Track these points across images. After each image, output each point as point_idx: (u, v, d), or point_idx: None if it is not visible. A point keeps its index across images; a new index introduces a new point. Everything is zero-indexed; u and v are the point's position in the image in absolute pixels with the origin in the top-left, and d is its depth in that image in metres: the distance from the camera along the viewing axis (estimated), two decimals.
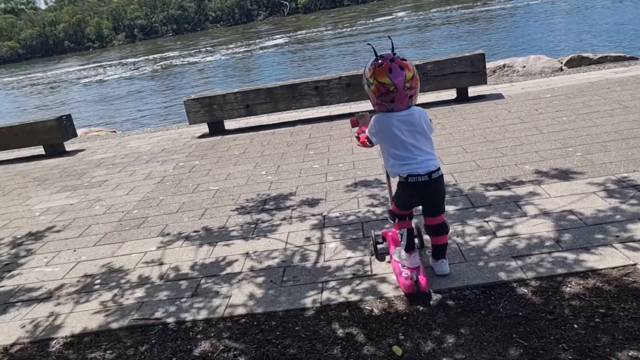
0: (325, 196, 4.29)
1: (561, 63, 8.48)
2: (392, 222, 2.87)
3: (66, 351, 2.70)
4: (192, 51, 41.81)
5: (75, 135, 8.18)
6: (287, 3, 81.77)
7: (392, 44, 2.68)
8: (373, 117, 2.70)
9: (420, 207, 2.83)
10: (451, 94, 7.19)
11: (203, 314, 2.82)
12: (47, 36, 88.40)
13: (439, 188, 2.67)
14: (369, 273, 2.96)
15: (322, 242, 3.46)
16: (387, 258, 3.07)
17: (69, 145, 8.26)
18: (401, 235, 2.81)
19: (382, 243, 3.15)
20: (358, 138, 2.89)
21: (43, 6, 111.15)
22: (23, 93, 32.93)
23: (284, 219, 3.97)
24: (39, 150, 8.12)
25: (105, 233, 4.29)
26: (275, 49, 32.34)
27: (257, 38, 44.56)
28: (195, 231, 4.01)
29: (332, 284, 2.91)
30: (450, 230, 3.29)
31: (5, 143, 7.95)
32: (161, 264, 3.54)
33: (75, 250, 4.03)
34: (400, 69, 2.50)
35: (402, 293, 2.69)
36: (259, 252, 3.45)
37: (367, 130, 2.74)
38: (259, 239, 3.67)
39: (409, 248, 2.77)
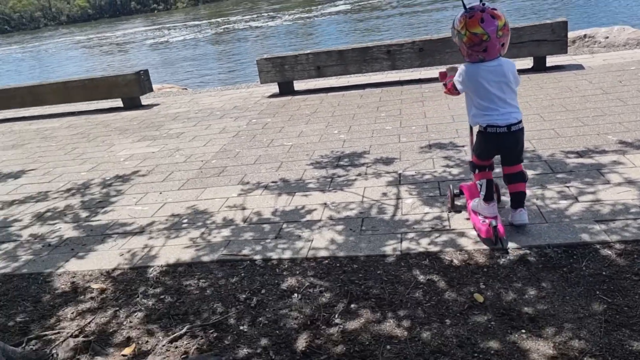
0: (400, 156, 4.35)
1: None
2: (473, 172, 2.97)
3: (162, 277, 2.95)
4: (255, 15, 42.00)
5: (151, 89, 8.55)
6: None
7: (463, 1, 2.69)
8: (462, 66, 2.77)
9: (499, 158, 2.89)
10: (527, 62, 7.00)
11: (287, 254, 2.99)
12: None
13: (517, 140, 2.74)
14: (448, 227, 3.04)
15: (398, 197, 3.55)
16: (465, 213, 3.13)
17: (144, 100, 8.63)
18: (480, 185, 2.88)
19: (459, 195, 3.23)
20: (445, 85, 2.98)
21: None
22: (93, 52, 34.25)
23: (359, 174, 4.08)
24: (117, 102, 8.54)
25: (187, 179, 4.55)
26: (338, 15, 32.01)
27: (319, 3, 44.14)
28: (273, 182, 4.19)
29: (410, 235, 3.01)
30: (529, 193, 3.31)
31: (87, 95, 8.41)
32: (243, 208, 3.74)
33: (161, 193, 4.31)
34: (491, 17, 2.55)
35: (482, 247, 2.77)
36: (336, 203, 3.59)
37: (454, 78, 2.82)
38: (335, 192, 3.80)
39: (488, 198, 2.84)
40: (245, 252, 3.09)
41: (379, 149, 4.62)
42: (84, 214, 4.07)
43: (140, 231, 3.61)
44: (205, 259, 3.08)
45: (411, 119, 5.41)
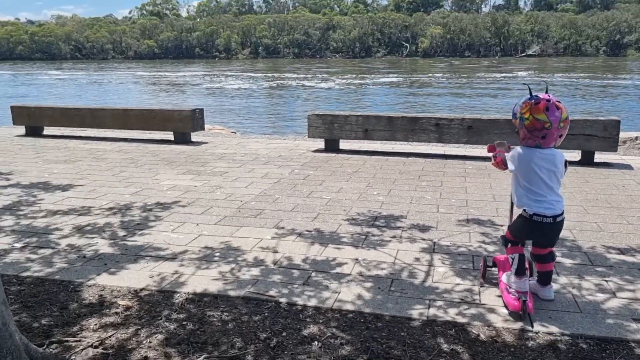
0: (437, 225, 4.35)
1: None
2: (505, 246, 3.00)
3: (187, 305, 2.98)
4: (309, 75, 43.54)
5: (203, 128, 8.88)
6: (408, 45, 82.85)
7: (547, 87, 2.85)
8: (517, 148, 2.85)
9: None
10: (575, 155, 6.98)
11: (313, 302, 2.99)
12: (182, 41, 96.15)
13: (558, 230, 2.84)
14: (477, 301, 2.99)
15: (431, 264, 3.53)
16: (496, 290, 3.07)
17: (195, 137, 8.96)
18: (512, 259, 2.91)
19: (492, 267, 3.23)
20: (494, 157, 3.04)
21: (184, 14, 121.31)
22: (153, 87, 35.95)
23: (394, 237, 4.08)
24: (169, 136, 8.89)
25: (225, 216, 4.64)
26: (388, 86, 32.84)
27: (372, 73, 45.51)
28: (307, 230, 4.23)
29: (439, 303, 2.97)
30: (566, 281, 3.24)
31: (143, 124, 8.80)
32: (275, 251, 3.78)
33: (197, 225, 4.40)
34: (556, 108, 2.69)
35: (512, 325, 2.70)
36: (368, 261, 3.59)
37: (507, 156, 2.91)
38: (368, 250, 3.81)
39: (520, 272, 2.87)
40: (271, 293, 3.10)
41: (416, 215, 4.63)
42: (121, 233, 4.18)
43: (173, 257, 3.68)
44: (232, 293, 3.10)
45: (452, 192, 5.43)
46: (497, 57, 72.66)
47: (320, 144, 8.08)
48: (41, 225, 4.40)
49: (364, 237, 4.08)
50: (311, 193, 5.40)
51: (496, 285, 3.16)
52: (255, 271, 3.43)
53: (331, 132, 7.71)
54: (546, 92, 2.79)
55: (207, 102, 24.51)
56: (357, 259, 3.62)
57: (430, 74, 42.87)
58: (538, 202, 2.76)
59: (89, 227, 4.33)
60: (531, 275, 3.08)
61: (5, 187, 5.71)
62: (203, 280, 3.28)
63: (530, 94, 2.77)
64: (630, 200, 5.08)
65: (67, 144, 8.59)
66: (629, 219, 4.49)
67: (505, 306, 2.87)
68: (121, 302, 3.01)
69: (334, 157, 7.35)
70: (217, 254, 3.73)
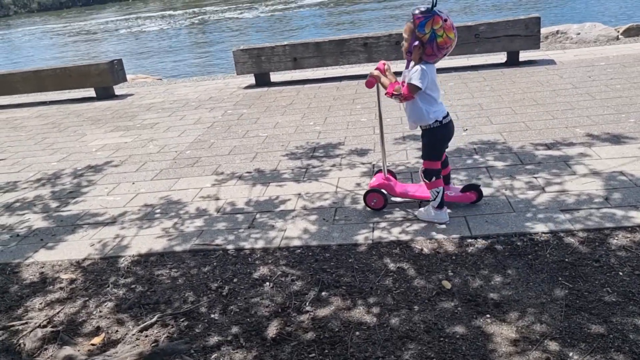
0: (374, 147, 4.39)
1: (618, 32, 8.22)
2: (428, 181, 2.96)
3: (134, 267, 2.93)
4: (231, 6, 41.57)
5: (125, 79, 8.41)
6: None
7: (435, 2, 2.67)
8: (421, 66, 2.76)
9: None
10: (501, 57, 7.11)
11: (260, 244, 3.00)
12: None
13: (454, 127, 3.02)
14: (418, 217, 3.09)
15: None
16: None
17: (118, 90, 8.50)
18: (437, 193, 2.96)
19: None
20: (398, 95, 2.88)
21: None
22: (66, 40, 33.48)
23: (334, 165, 4.10)
24: (90, 92, 8.39)
25: (161, 169, 4.51)
26: (315, 8, 31.89)
27: None
28: (247, 172, 4.19)
29: (382, 224, 3.05)
30: (499, 183, 3.38)
31: (59, 83, 8.24)
32: (217, 199, 3.73)
33: (134, 183, 4.26)
34: (453, 28, 2.72)
35: (451, 235, 2.83)
36: (310, 194, 3.61)
37: (416, 80, 2.76)
38: (310, 182, 3.82)
39: (442, 205, 2.98)
40: (218, 241, 3.09)
41: (353, 140, 4.65)
42: (54, 205, 4.01)
43: (112, 221, 3.57)
44: (178, 248, 3.07)
45: (386, 111, 5.43)
46: None
47: (250, 79, 7.85)
48: None
49: (304, 170, 4.08)
50: (247, 133, 5.30)
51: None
52: (199, 222, 3.39)
53: (259, 66, 7.48)
54: (435, 5, 2.66)
55: (128, 50, 23.16)
56: (299, 194, 3.63)
57: None
58: (439, 107, 2.90)
59: (18, 204, 4.12)
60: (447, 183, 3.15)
61: None
62: (147, 240, 3.22)
63: (434, 5, 2.65)
64: (555, 95, 5.27)
65: None
66: (554, 114, 4.67)
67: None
68: (64, 276, 2.93)
69: (266, 91, 7.18)
70: (158, 211, 3.65)
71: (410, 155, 4.09)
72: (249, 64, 7.50)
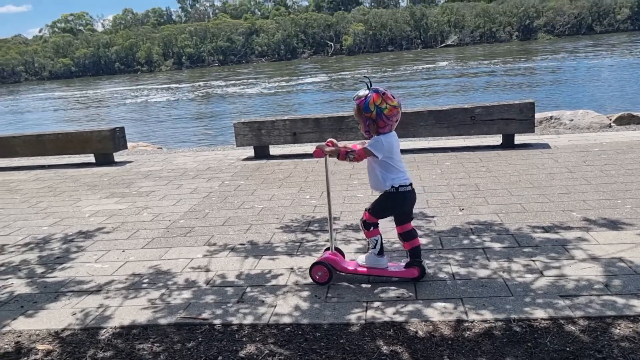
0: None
1: (610, 120, 8.45)
2: (367, 230, 3.21)
3: (115, 340, 2.80)
4: (236, 81, 43.03)
5: (125, 147, 8.51)
6: (332, 44, 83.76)
7: (370, 81, 3.04)
8: (379, 137, 3.02)
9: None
10: (496, 139, 7.24)
11: (249, 319, 2.88)
12: (100, 57, 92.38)
13: (415, 197, 3.21)
14: (413, 297, 2.99)
15: None
16: (428, 281, 3.09)
17: (118, 157, 8.57)
18: (376, 241, 3.20)
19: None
20: (351, 158, 3.11)
21: (100, 28, 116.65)
22: (73, 107, 34.31)
23: (329, 240, 4.03)
24: (90, 158, 8.45)
25: (153, 238, 4.43)
26: (316, 85, 33.02)
27: (299, 74, 45.62)
28: (241, 244, 4.11)
29: (376, 304, 2.95)
30: (496, 265, 3.31)
31: (60, 148, 8.31)
32: (207, 270, 3.64)
33: (124, 251, 4.17)
34: (393, 97, 2.99)
35: (448, 318, 2.72)
36: (303, 269, 3.52)
37: (370, 147, 3.02)
38: (303, 257, 3.74)
39: (382, 252, 3.23)
40: (204, 315, 2.97)
41: (349, 215, 4.62)
42: (39, 270, 3.89)
43: (97, 290, 3.46)
44: (162, 321, 2.94)
45: None
46: (419, 49, 74.81)
47: (249, 151, 7.94)
48: None
49: (298, 244, 4.01)
50: (243, 204, 5.27)
51: (432, 278, 3.18)
52: (186, 294, 3.27)
53: (259, 138, 7.60)
54: (370, 84, 3.00)
55: (131, 118, 23.67)
56: (292, 268, 3.55)
57: (355, 70, 43.51)
58: (398, 175, 3.09)
59: (2, 267, 4.01)
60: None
61: None
62: (131, 311, 3.10)
63: (369, 87, 2.98)
64: (550, 178, 5.31)
65: None
66: (550, 197, 4.68)
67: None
68: (40, 347, 2.78)
69: (265, 163, 7.24)
70: (146, 280, 3.54)
71: None
72: (249, 137, 7.62)
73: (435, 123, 7.09)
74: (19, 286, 3.62)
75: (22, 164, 8.76)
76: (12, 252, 4.37)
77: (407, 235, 3.17)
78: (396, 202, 3.11)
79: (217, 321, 2.89)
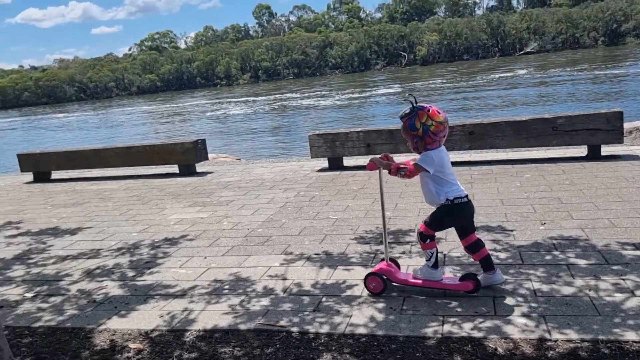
0: (446, 236, 4.29)
1: None
2: (423, 242, 3.26)
3: (199, 343, 2.95)
4: (310, 94, 43.78)
5: (206, 158, 8.91)
6: (406, 54, 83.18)
7: (415, 99, 3.09)
8: (428, 153, 3.09)
9: None
10: (581, 151, 6.90)
11: (325, 328, 2.94)
12: (183, 72, 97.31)
13: (473, 209, 3.22)
14: (492, 313, 2.92)
15: None
16: (512, 300, 3.00)
17: (199, 167, 8.99)
18: (432, 254, 3.23)
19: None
20: (402, 174, 3.20)
21: (183, 45, 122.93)
22: (158, 120, 36.34)
23: (403, 252, 4.03)
24: (174, 169, 8.93)
25: (233, 246, 4.62)
26: (389, 96, 32.91)
27: (372, 86, 45.67)
28: (316, 254, 4.19)
29: (453, 318, 2.91)
30: (582, 283, 3.17)
31: (147, 159, 8.85)
32: (284, 279, 3.74)
33: (205, 258, 4.38)
34: (439, 112, 3.05)
35: (529, 336, 2.64)
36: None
37: (421, 162, 3.09)
38: None
39: (436, 265, 3.25)
40: (282, 322, 3.06)
41: None
42: (130, 273, 4.17)
43: (182, 294, 3.65)
44: (242, 327, 3.07)
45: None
46: (495, 58, 72.65)
47: (324, 163, 8.07)
48: (51, 272, 4.40)
49: (372, 255, 4.04)
50: (317, 214, 5.37)
51: (512, 294, 3.09)
52: (265, 301, 3.39)
53: (333, 150, 7.70)
54: (416, 102, 3.08)
55: (211, 130, 24.69)
56: None
57: (430, 81, 42.94)
58: (452, 188, 3.13)
59: (98, 270, 4.33)
60: (491, 269, 3.21)
61: (15, 236, 5.74)
62: (213, 316, 3.25)
63: (414, 105, 3.05)
64: None
65: (75, 186, 8.65)
66: None
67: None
68: (132, 346, 2.98)
69: (339, 175, 7.33)
70: (227, 287, 3.70)
71: None
72: (323, 148, 7.74)
73: (513, 134, 6.87)
74: (112, 288, 3.90)
75: (114, 174, 9.40)
76: (106, 256, 4.71)
77: (474, 247, 3.18)
78: (454, 214, 3.16)
79: (295, 329, 2.97)
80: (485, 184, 5.89)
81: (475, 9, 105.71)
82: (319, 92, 44.53)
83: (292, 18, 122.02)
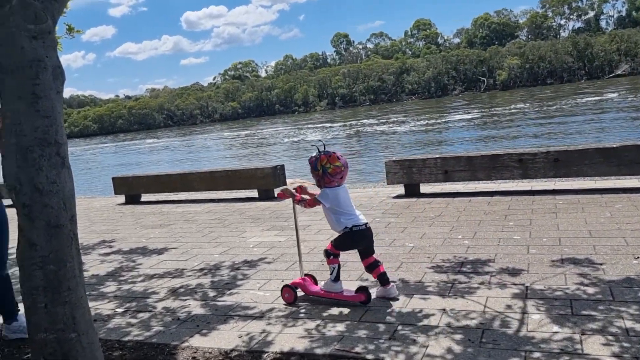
0: (528, 268, 4.13)
1: None
2: (327, 258, 3.87)
3: None
4: (386, 119, 43.78)
5: (285, 183, 9.13)
6: (485, 79, 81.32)
7: (324, 145, 3.81)
8: (325, 190, 3.74)
9: None
10: None
11: (401, 358, 2.91)
12: (262, 99, 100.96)
13: (372, 235, 3.86)
14: (579, 351, 2.77)
15: (524, 312, 3.33)
16: (600, 337, 2.83)
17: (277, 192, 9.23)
18: (334, 268, 3.83)
19: (297, 289, 3.98)
20: (302, 204, 3.92)
21: (263, 74, 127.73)
22: (238, 146, 37.75)
23: (482, 283, 3.92)
24: (254, 193, 9.23)
25: (309, 270, 4.69)
26: (468, 122, 32.21)
27: (449, 111, 44.96)
28: (392, 281, 4.16)
29: (536, 354, 2.79)
30: None
31: (229, 184, 9.24)
32: (361, 305, 3.75)
33: (283, 281, 4.47)
34: (338, 158, 3.71)
35: None
36: (456, 311, 3.46)
37: (319, 197, 3.77)
38: (456, 298, 3.68)
39: (338, 279, 3.85)
40: (357, 349, 3.07)
41: (505, 258, 4.43)
42: (211, 294, 4.35)
43: (260, 316, 3.76)
44: (318, 351, 3.10)
45: (542, 230, 5.15)
46: (582, 81, 69.26)
47: (400, 189, 8.03)
48: (140, 289, 4.68)
49: (450, 285, 3.96)
50: (393, 241, 5.34)
51: (601, 332, 2.92)
52: (340, 327, 3.41)
53: (410, 176, 7.66)
54: (324, 148, 3.75)
55: (289, 156, 25.29)
56: (444, 309, 3.50)
57: (511, 106, 41.60)
58: (350, 217, 3.76)
59: (182, 289, 4.55)
60: (387, 284, 3.81)
61: (108, 254, 6.17)
62: (290, 339, 3.31)
63: (319, 150, 3.71)
64: None
65: (162, 208, 9.17)
66: None
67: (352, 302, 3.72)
68: None
69: (415, 202, 7.26)
70: (303, 311, 3.77)
71: (570, 281, 3.75)
72: (399, 175, 7.72)
73: (603, 161, 6.51)
74: (195, 307, 4.08)
75: (197, 197, 9.87)
76: (189, 276, 4.94)
77: (372, 266, 3.80)
78: (354, 239, 3.78)
79: (370, 356, 2.96)
80: (571, 214, 5.61)
81: (560, 31, 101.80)
82: (395, 118, 44.45)
83: (369, 45, 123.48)
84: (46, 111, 2.33)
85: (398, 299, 3.73)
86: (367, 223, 3.81)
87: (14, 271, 4.03)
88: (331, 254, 3.85)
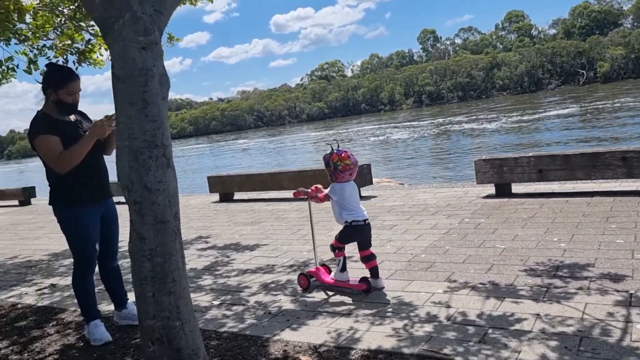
0: (632, 274, 3.86)
1: None
2: (333, 252, 4.32)
3: None
4: (475, 117, 42.34)
5: (371, 182, 9.18)
6: (584, 72, 76.18)
7: (338, 144, 4.29)
8: (335, 185, 4.15)
9: None
10: None
11: None
12: (349, 99, 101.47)
13: (370, 230, 4.26)
14: None
15: (628, 320, 3.13)
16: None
17: (364, 191, 9.28)
18: (340, 260, 4.28)
19: (312, 278, 4.44)
20: (317, 197, 4.35)
21: (349, 74, 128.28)
22: (324, 146, 38.21)
23: (581, 288, 3.72)
24: None
25: (396, 270, 4.70)
26: (564, 118, 30.36)
27: (544, 107, 42.62)
28: (481, 283, 4.08)
29: None
30: None
31: (316, 182, 9.39)
32: (448, 306, 3.71)
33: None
34: (350, 155, 4.14)
35: None
36: (551, 316, 3.32)
37: (328, 192, 4.20)
38: (551, 303, 3.53)
39: (344, 269, 4.29)
40: (446, 351, 3.04)
41: (606, 263, 4.17)
42: (300, 289, 4.49)
43: (348, 313, 3.83)
44: (406, 350, 3.11)
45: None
46: None
47: (490, 189, 7.77)
48: (234, 283, 4.92)
49: (545, 289, 3.79)
50: (483, 243, 5.20)
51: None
52: (428, 327, 3.40)
53: (501, 176, 7.39)
54: (338, 147, 4.21)
55: (375, 155, 25.25)
56: (538, 314, 3.38)
57: (614, 100, 38.66)
58: (352, 213, 4.16)
59: (273, 285, 4.73)
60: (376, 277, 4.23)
61: (205, 249, 6.53)
62: (377, 337, 3.35)
63: (332, 148, 4.14)
64: None
65: (253, 206, 9.54)
66: None
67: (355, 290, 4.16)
68: (302, 358, 3.21)
69: (506, 202, 7.00)
70: (390, 310, 3.79)
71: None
72: (489, 174, 7.48)
73: None
74: (285, 302, 4.23)
75: (287, 195, 10.16)
76: (279, 272, 5.12)
77: (368, 258, 4.22)
78: (353, 233, 4.19)
79: (458, 358, 2.93)
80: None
81: None
82: (484, 115, 42.89)
83: (458, 41, 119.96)
84: (154, 116, 2.55)
85: (384, 288, 4.18)
86: (366, 219, 4.20)
87: (122, 262, 4.40)
88: (336, 248, 4.29)
